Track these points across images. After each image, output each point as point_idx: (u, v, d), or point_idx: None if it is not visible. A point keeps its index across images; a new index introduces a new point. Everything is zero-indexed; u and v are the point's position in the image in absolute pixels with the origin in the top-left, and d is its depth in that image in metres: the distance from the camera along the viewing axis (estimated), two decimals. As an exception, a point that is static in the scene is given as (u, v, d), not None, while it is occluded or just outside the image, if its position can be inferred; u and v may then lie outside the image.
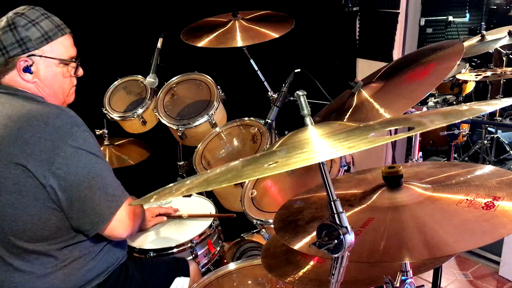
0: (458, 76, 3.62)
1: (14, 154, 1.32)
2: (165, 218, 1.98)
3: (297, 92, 0.97)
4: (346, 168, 1.70)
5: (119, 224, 1.43)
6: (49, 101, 1.48)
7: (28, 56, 1.41)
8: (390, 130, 0.94)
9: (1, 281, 1.41)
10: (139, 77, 2.53)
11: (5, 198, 1.34)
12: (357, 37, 3.58)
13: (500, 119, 3.95)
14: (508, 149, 3.78)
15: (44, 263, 1.42)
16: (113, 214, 1.41)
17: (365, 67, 3.57)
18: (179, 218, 2.01)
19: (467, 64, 3.78)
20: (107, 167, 1.44)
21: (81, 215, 1.38)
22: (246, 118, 2.29)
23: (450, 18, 4.45)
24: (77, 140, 1.36)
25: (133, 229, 1.50)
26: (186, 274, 1.73)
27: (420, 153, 1.67)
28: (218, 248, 2.01)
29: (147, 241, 1.89)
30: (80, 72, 1.57)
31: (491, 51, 3.95)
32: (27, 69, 1.42)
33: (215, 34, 2.26)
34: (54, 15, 1.51)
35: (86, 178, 1.36)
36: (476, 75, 3.47)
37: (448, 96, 3.77)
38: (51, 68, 1.47)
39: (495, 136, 3.78)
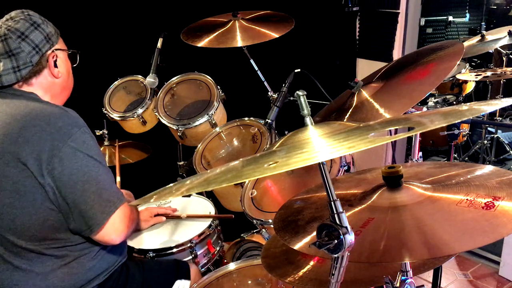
0: (458, 76, 3.62)
1: (15, 152, 1.33)
2: (163, 218, 1.97)
3: (297, 92, 0.97)
4: (346, 168, 1.70)
5: (111, 230, 1.42)
6: (59, 99, 1.51)
7: (53, 50, 1.46)
8: (390, 130, 0.94)
9: (1, 279, 1.41)
10: (139, 77, 2.53)
11: (4, 197, 1.35)
12: (357, 37, 3.58)
13: (500, 119, 3.95)
14: (508, 149, 3.78)
15: (43, 262, 1.42)
16: (106, 219, 1.39)
17: (365, 67, 3.57)
18: (178, 218, 2.01)
19: (467, 64, 3.79)
20: (105, 171, 1.42)
21: (76, 217, 1.38)
22: (246, 118, 2.29)
23: (450, 18, 4.45)
24: (76, 141, 1.35)
25: (126, 236, 1.48)
26: (187, 276, 1.73)
27: (420, 153, 1.67)
28: (218, 248, 2.01)
29: (147, 241, 1.89)
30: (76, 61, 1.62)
31: (491, 51, 3.95)
32: (55, 64, 1.48)
33: (215, 34, 2.26)
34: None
35: (80, 180, 1.35)
36: (476, 75, 3.47)
37: (448, 96, 3.77)
38: (65, 60, 1.53)
39: (495, 136, 3.77)
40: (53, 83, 1.49)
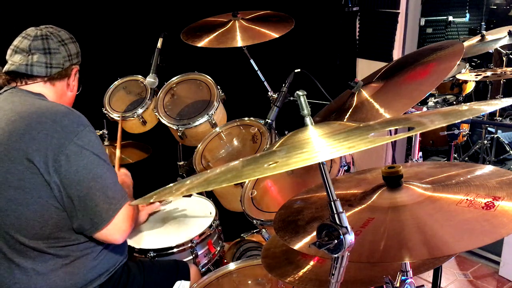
0: (458, 76, 3.62)
1: (21, 149, 1.34)
2: (157, 203, 1.99)
3: (297, 92, 0.97)
4: (346, 168, 1.70)
5: (115, 229, 1.43)
6: None
7: (77, 67, 1.60)
8: (390, 130, 0.94)
9: (3, 277, 1.42)
10: (139, 77, 2.53)
11: (9, 193, 1.35)
12: (357, 37, 3.58)
13: (500, 119, 3.95)
14: (508, 149, 3.78)
15: (46, 261, 1.42)
16: (112, 217, 1.41)
17: (365, 67, 3.57)
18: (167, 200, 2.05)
19: (467, 64, 3.78)
20: (110, 170, 1.44)
21: (81, 214, 1.38)
22: (246, 118, 2.29)
23: (450, 18, 4.45)
24: (82, 139, 1.37)
25: (128, 235, 1.50)
26: (187, 277, 1.74)
27: (420, 153, 1.67)
28: (218, 248, 2.01)
29: (147, 241, 1.89)
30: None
31: (491, 51, 3.95)
32: (74, 78, 1.60)
33: (215, 34, 2.26)
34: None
35: (86, 177, 1.36)
36: (476, 75, 3.47)
37: (448, 96, 3.77)
38: (77, 82, 1.64)
39: (495, 136, 3.78)
40: (66, 94, 1.58)
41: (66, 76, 1.55)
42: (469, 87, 3.86)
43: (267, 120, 2.03)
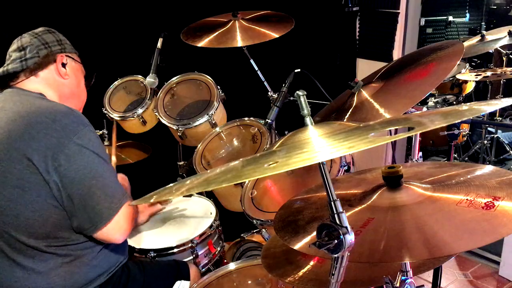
0: (458, 76, 3.63)
1: (20, 148, 1.34)
2: (159, 205, 1.97)
3: (297, 92, 0.97)
4: (346, 168, 1.70)
5: (116, 227, 1.43)
6: (67, 103, 1.51)
7: (64, 54, 1.55)
8: (390, 130, 0.94)
9: (3, 276, 1.42)
10: (139, 77, 2.53)
11: (8, 192, 1.35)
12: (357, 37, 3.58)
13: (500, 119, 3.95)
14: (508, 149, 3.78)
15: (45, 260, 1.42)
16: (112, 216, 1.41)
17: (365, 67, 3.57)
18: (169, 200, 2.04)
19: (467, 64, 3.79)
20: (110, 169, 1.44)
21: (81, 213, 1.38)
22: (246, 118, 2.29)
23: (450, 18, 4.45)
24: (82, 138, 1.37)
25: (128, 234, 1.50)
26: (187, 277, 1.74)
27: (420, 153, 1.67)
28: (219, 248, 2.01)
29: (148, 241, 1.89)
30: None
31: (491, 51, 3.95)
32: (63, 66, 1.55)
33: (215, 34, 2.26)
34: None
35: (87, 176, 1.36)
36: (476, 75, 3.47)
37: (448, 96, 3.77)
38: (78, 72, 1.61)
39: (495, 136, 3.78)
40: (60, 82, 1.55)
41: (48, 64, 1.52)
42: (469, 87, 3.86)
43: (267, 120, 2.03)
